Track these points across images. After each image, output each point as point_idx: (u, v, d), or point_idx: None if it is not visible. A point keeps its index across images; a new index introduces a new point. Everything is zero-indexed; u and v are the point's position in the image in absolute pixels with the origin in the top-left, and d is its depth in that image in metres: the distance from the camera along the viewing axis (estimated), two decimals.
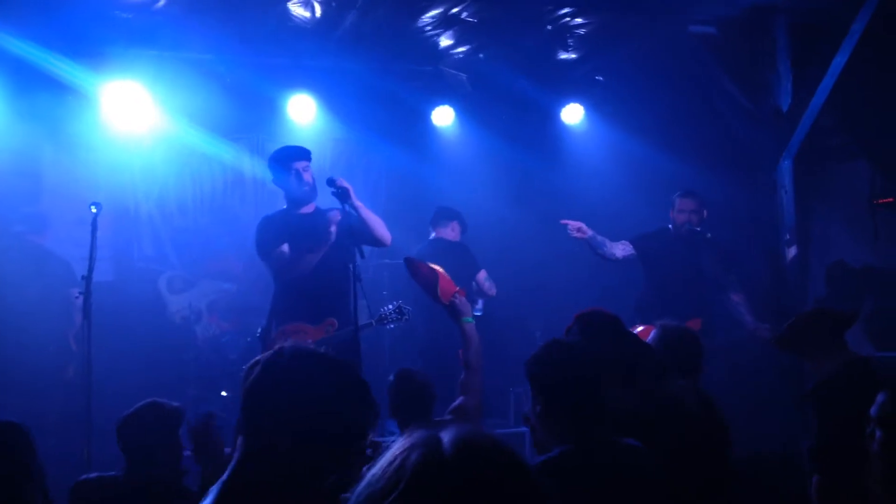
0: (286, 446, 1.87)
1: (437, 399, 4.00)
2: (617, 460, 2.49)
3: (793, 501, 3.63)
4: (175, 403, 3.56)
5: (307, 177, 5.41)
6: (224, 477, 1.94)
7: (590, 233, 6.42)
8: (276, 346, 2.01)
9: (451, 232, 7.30)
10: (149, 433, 3.39)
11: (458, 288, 4.17)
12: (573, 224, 6.42)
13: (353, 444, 1.91)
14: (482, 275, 7.19)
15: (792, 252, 6.58)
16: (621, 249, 6.55)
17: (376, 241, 5.35)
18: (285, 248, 5.31)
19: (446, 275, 4.22)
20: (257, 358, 2.00)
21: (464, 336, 4.00)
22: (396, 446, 1.24)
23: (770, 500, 4.04)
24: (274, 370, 1.95)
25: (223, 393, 7.40)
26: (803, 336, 3.95)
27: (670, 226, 6.58)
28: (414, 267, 4.43)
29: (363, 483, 1.22)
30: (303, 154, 5.47)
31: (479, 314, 7.17)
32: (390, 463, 1.21)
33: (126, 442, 3.42)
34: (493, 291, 7.27)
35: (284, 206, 5.56)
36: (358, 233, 5.08)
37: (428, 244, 7.29)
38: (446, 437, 1.23)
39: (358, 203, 5.13)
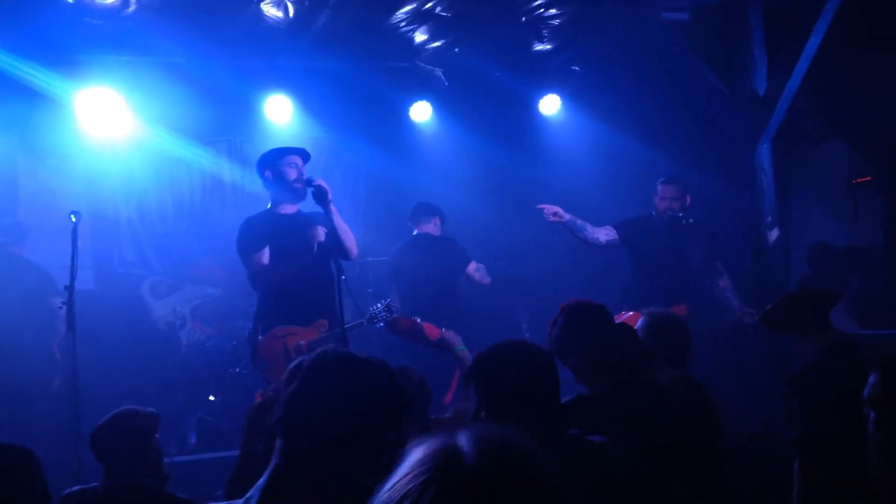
0: (327, 450, 1.89)
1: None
2: (587, 458, 2.46)
3: (780, 487, 3.64)
4: (149, 409, 3.52)
5: (304, 174, 5.42)
6: (262, 480, 1.95)
7: (567, 216, 6.42)
8: (319, 351, 2.03)
9: (433, 227, 7.25)
10: (123, 441, 3.35)
11: (441, 329, 4.54)
12: (549, 208, 6.42)
13: (391, 450, 1.91)
14: (472, 266, 7.13)
15: (774, 235, 6.61)
16: (605, 234, 6.56)
17: (342, 250, 5.25)
18: (266, 254, 5.29)
19: (427, 323, 4.64)
20: (299, 361, 2.02)
21: (461, 363, 4.29)
22: (409, 467, 1.11)
23: (757, 486, 4.05)
24: (318, 376, 1.96)
25: (210, 398, 7.37)
26: (788, 315, 3.97)
27: (654, 212, 6.60)
28: (395, 326, 4.74)
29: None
30: (301, 151, 5.54)
31: None
32: (403, 495, 1.08)
33: (102, 452, 3.38)
34: (486, 280, 7.20)
35: (267, 207, 5.55)
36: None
37: (412, 240, 7.24)
38: (468, 459, 1.09)
39: (332, 208, 5.13)
